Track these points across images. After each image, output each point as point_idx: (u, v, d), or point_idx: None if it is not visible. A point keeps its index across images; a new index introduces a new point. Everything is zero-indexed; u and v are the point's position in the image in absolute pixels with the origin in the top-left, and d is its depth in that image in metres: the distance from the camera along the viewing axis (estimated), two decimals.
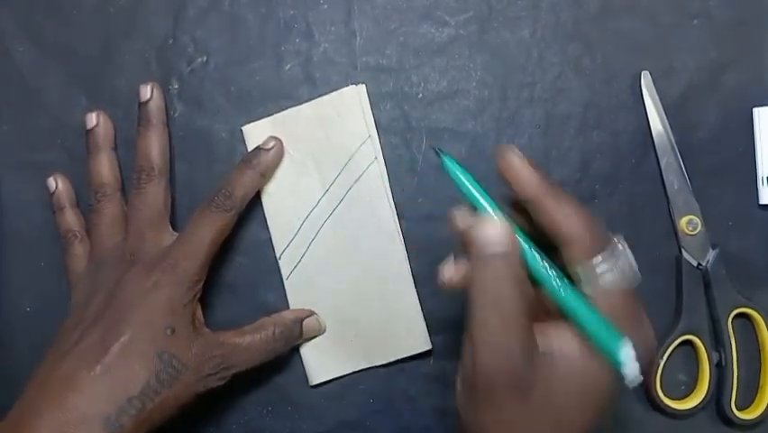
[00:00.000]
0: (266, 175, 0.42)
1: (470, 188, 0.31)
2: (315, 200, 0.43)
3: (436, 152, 0.32)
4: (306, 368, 0.43)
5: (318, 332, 0.43)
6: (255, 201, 0.43)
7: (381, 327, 0.42)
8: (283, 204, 0.43)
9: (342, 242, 0.42)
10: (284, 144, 0.43)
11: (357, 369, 0.43)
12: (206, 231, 0.38)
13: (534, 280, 0.30)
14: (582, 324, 0.28)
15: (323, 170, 0.42)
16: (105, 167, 0.42)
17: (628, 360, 0.27)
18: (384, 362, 0.43)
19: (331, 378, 0.43)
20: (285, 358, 0.44)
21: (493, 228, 0.29)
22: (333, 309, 0.43)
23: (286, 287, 0.43)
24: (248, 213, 0.43)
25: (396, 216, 0.42)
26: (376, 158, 0.42)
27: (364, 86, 0.43)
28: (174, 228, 0.41)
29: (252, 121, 0.43)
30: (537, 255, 0.30)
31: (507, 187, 0.31)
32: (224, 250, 0.39)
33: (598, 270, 0.29)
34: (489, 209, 0.30)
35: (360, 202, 0.42)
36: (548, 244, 0.31)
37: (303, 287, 0.43)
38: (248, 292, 0.44)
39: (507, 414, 0.29)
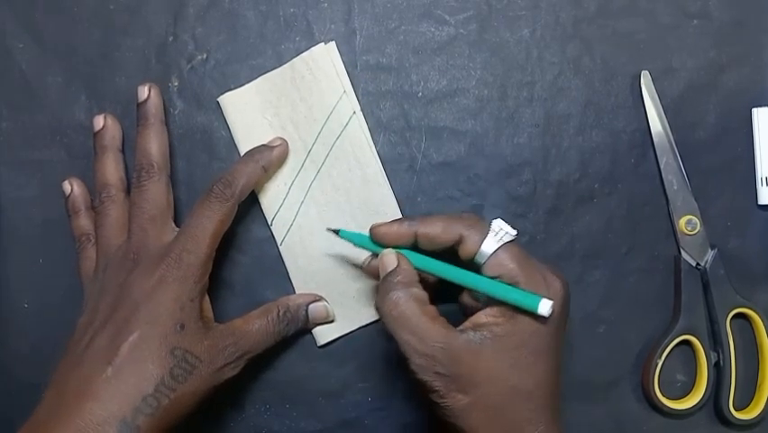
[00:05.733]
0: (268, 170, 0.41)
1: (370, 243, 0.38)
2: (300, 162, 0.43)
3: (334, 232, 0.39)
4: (312, 330, 0.43)
5: (326, 319, 0.43)
6: (253, 198, 0.43)
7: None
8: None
9: (332, 199, 0.43)
10: (261, 111, 0.43)
11: (362, 324, 0.43)
12: (207, 223, 0.38)
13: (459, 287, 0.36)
14: (498, 293, 0.34)
15: (303, 131, 0.43)
16: (110, 168, 0.42)
17: (541, 301, 0.33)
18: None
19: (337, 336, 0.43)
20: (283, 357, 0.44)
21: (388, 255, 0.36)
22: (332, 268, 0.43)
23: (281, 252, 0.43)
24: (246, 210, 0.43)
25: (381, 166, 0.43)
26: (354, 112, 0.42)
27: (333, 42, 0.43)
28: (177, 225, 0.41)
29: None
30: (450, 266, 0.36)
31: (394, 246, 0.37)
32: (222, 247, 0.39)
33: (488, 248, 0.34)
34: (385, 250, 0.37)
35: (344, 157, 0.42)
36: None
37: (298, 250, 0.43)
38: (246, 290, 0.44)
39: (464, 405, 0.34)
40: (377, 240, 0.37)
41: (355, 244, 0.39)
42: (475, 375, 0.33)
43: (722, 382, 0.42)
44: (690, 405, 0.42)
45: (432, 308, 0.35)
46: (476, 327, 0.34)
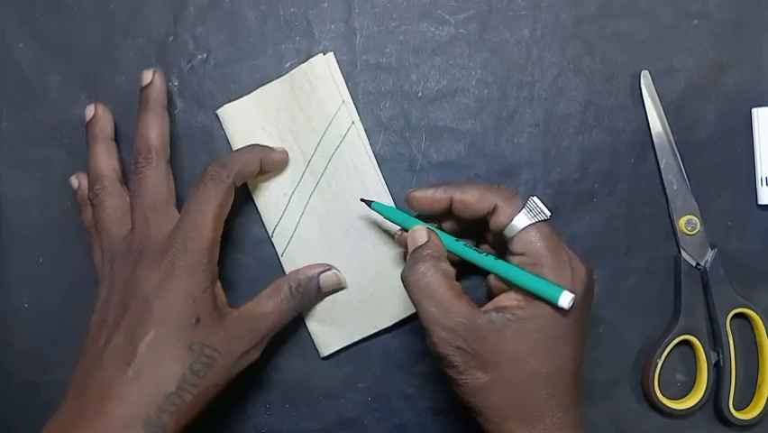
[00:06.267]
0: (263, 164, 0.40)
1: (401, 217, 0.39)
2: (300, 173, 0.43)
3: (366, 203, 0.40)
4: (315, 341, 0.43)
5: (338, 285, 0.42)
6: (253, 200, 0.43)
7: (382, 288, 0.42)
8: (268, 183, 0.43)
9: (332, 209, 0.43)
10: (260, 123, 0.43)
11: (366, 335, 0.43)
12: (206, 207, 0.37)
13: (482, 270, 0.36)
14: (520, 280, 0.34)
15: (302, 142, 0.42)
16: (101, 158, 0.41)
17: (562, 293, 0.33)
18: (391, 323, 0.43)
19: (341, 347, 0.43)
20: (283, 357, 0.44)
21: (419, 230, 0.36)
22: None
23: (282, 264, 0.43)
24: (245, 210, 0.43)
25: (381, 175, 0.43)
26: (353, 122, 0.42)
27: (332, 53, 0.43)
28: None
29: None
30: (477, 249, 0.36)
31: (428, 212, 0.38)
32: (222, 247, 0.39)
33: (519, 223, 0.35)
34: (417, 223, 0.38)
35: (343, 167, 0.42)
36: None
37: (299, 261, 0.43)
38: (246, 290, 0.43)
39: (483, 384, 0.34)
40: (412, 205, 0.37)
41: (386, 218, 0.40)
42: (496, 355, 0.33)
43: (722, 382, 0.42)
44: (690, 405, 0.42)
45: (457, 285, 0.35)
46: (498, 309, 0.34)
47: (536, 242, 0.34)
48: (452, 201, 0.36)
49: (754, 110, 0.43)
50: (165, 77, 0.42)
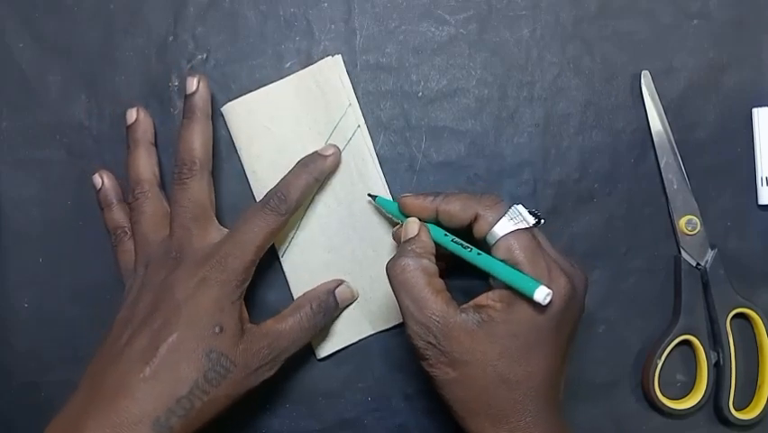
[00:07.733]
0: (320, 180, 0.41)
1: (398, 212, 0.39)
2: None
3: (371, 197, 0.42)
4: (312, 342, 0.43)
5: (352, 298, 0.43)
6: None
7: (381, 291, 0.42)
8: (270, 183, 0.42)
9: (334, 212, 0.43)
10: (264, 122, 0.43)
11: (362, 336, 0.43)
12: (258, 231, 0.38)
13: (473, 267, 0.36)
14: (500, 273, 0.34)
15: (306, 143, 0.42)
16: (142, 163, 0.41)
17: (538, 287, 0.32)
18: (388, 326, 0.43)
19: (338, 349, 0.43)
20: None
21: (411, 223, 0.37)
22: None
23: (282, 265, 0.43)
24: None
25: (384, 180, 0.43)
26: (359, 126, 0.42)
27: (340, 56, 0.43)
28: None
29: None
30: (460, 242, 0.36)
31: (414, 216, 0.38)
32: None
33: (500, 231, 0.35)
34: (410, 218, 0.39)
35: (347, 171, 0.42)
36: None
37: (299, 263, 0.43)
38: (247, 291, 0.43)
39: (451, 379, 0.34)
40: (403, 210, 0.39)
41: (386, 211, 0.41)
42: (464, 354, 0.34)
43: (722, 382, 0.42)
44: (690, 405, 0.42)
45: (438, 282, 0.35)
46: (476, 309, 0.34)
47: (514, 250, 0.34)
48: (437, 212, 0.37)
49: (754, 110, 0.43)
50: (164, 79, 0.42)
